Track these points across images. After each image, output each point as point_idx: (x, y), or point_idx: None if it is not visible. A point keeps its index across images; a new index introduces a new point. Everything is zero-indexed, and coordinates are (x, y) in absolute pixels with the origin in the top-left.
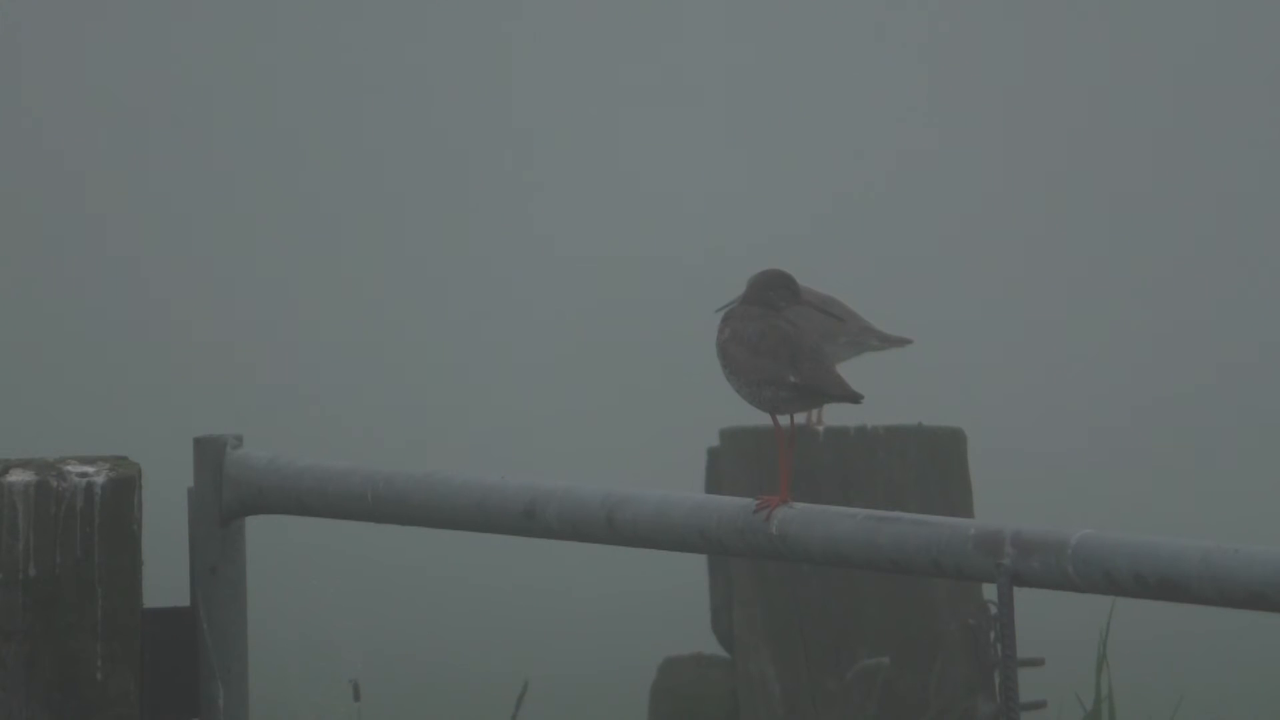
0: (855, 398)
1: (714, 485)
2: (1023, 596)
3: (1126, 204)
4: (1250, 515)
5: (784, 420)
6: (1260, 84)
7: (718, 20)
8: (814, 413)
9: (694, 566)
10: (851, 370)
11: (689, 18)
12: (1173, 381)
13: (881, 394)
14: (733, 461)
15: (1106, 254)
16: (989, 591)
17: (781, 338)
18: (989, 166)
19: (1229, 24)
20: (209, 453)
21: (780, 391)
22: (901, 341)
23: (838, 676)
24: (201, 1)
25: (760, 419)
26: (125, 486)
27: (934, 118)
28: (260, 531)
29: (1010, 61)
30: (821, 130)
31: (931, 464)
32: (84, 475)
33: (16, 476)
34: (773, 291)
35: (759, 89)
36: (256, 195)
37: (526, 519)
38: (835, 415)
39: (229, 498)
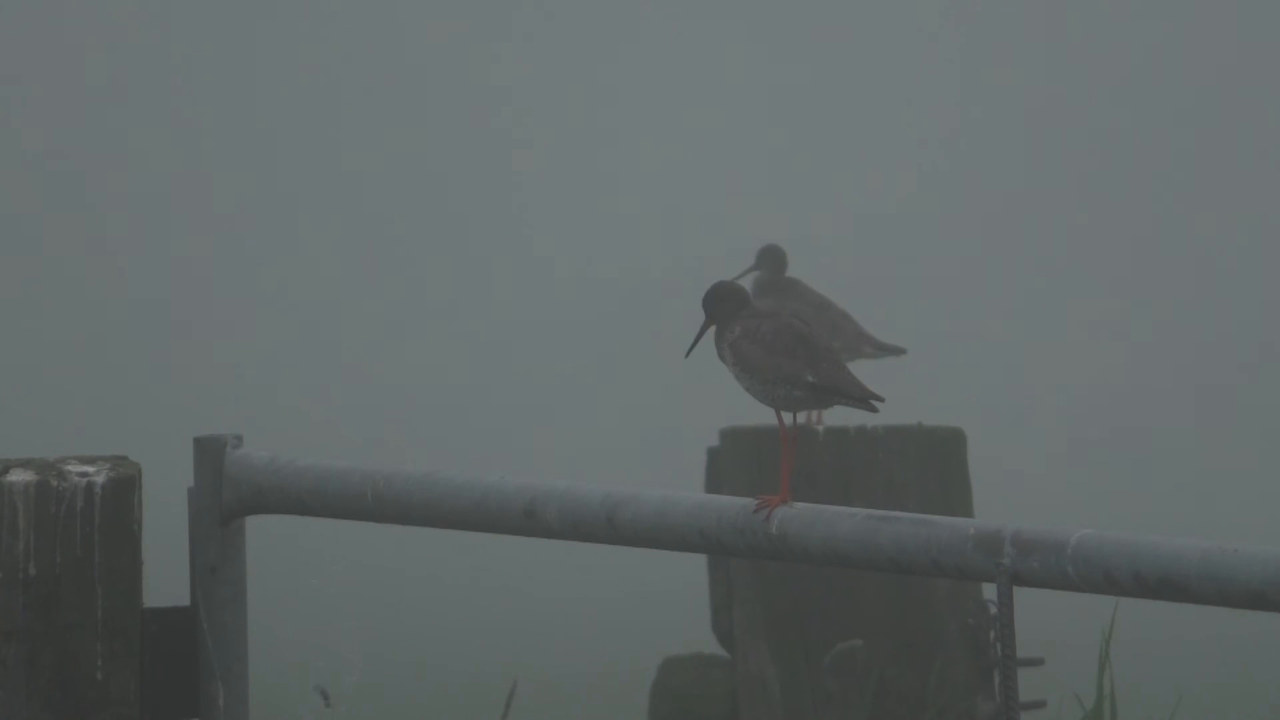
0: (873, 400)
1: (714, 485)
2: (1023, 596)
3: (1130, 209)
4: (1250, 515)
5: (787, 419)
6: None
7: (719, 25)
8: (814, 412)
9: (694, 566)
10: None
11: (690, 24)
12: (1173, 382)
13: (882, 394)
14: (733, 461)
15: (1108, 257)
16: (989, 591)
17: (797, 336)
18: (993, 170)
19: (1260, 25)
20: (209, 453)
21: (795, 390)
22: (896, 350)
23: (838, 676)
24: (201, 14)
25: (760, 419)
26: (125, 486)
27: (936, 121)
28: (260, 531)
29: (1028, 67)
30: (822, 135)
31: (931, 464)
32: (84, 475)
33: (16, 476)
34: (728, 304)
35: (761, 94)
36: (255, 198)
37: (526, 519)
38: (835, 415)
39: (229, 498)
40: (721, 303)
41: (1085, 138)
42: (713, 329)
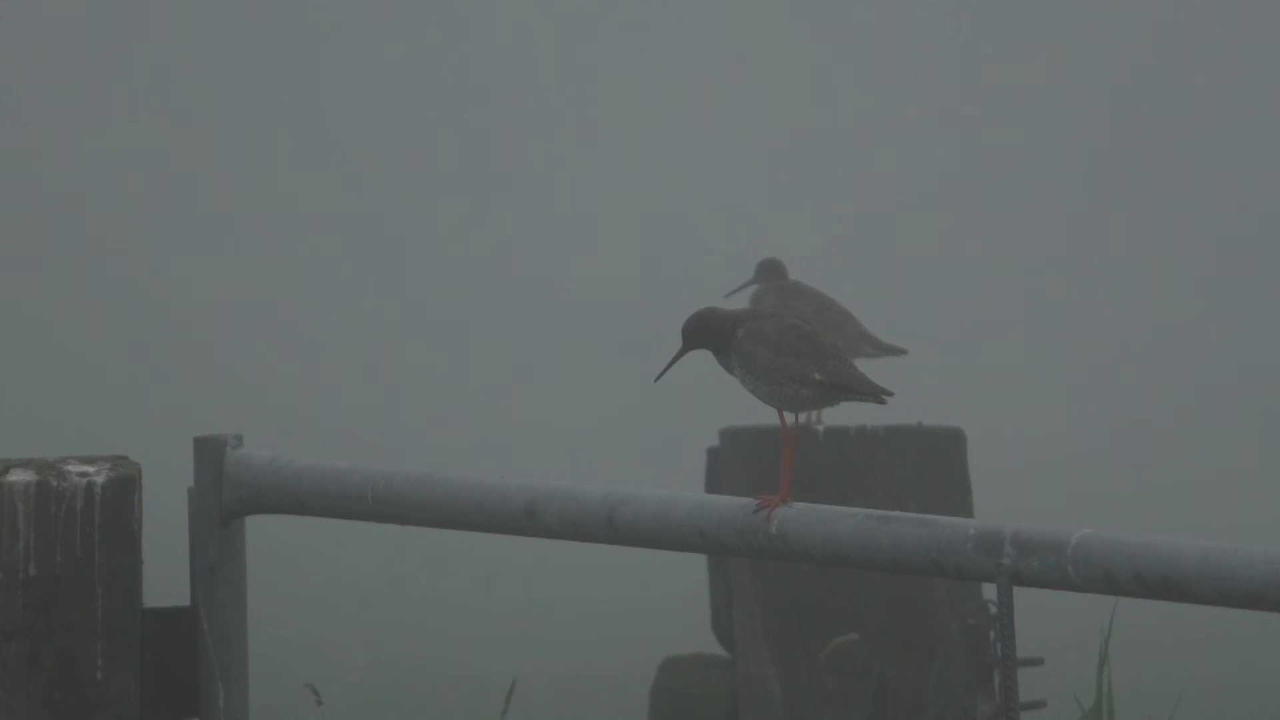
0: (882, 394)
1: (714, 485)
2: (1023, 596)
3: (1130, 209)
4: (1250, 515)
5: (789, 419)
6: None
7: (715, 26)
8: (815, 412)
9: (694, 567)
10: None
11: (687, 25)
12: (1173, 382)
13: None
14: (733, 461)
15: (1108, 258)
16: (989, 591)
17: (801, 336)
18: (994, 172)
19: (1261, 25)
20: (209, 453)
21: (802, 389)
22: (896, 351)
23: (837, 676)
24: (200, 16)
25: (760, 419)
26: (125, 486)
27: (936, 122)
28: (260, 531)
29: (1028, 68)
30: (821, 136)
31: (931, 464)
32: (84, 475)
33: (17, 476)
34: (717, 333)
35: (761, 94)
36: (255, 199)
37: (526, 519)
38: (835, 415)
39: (229, 498)
40: (704, 329)
41: (1085, 138)
42: (703, 352)
